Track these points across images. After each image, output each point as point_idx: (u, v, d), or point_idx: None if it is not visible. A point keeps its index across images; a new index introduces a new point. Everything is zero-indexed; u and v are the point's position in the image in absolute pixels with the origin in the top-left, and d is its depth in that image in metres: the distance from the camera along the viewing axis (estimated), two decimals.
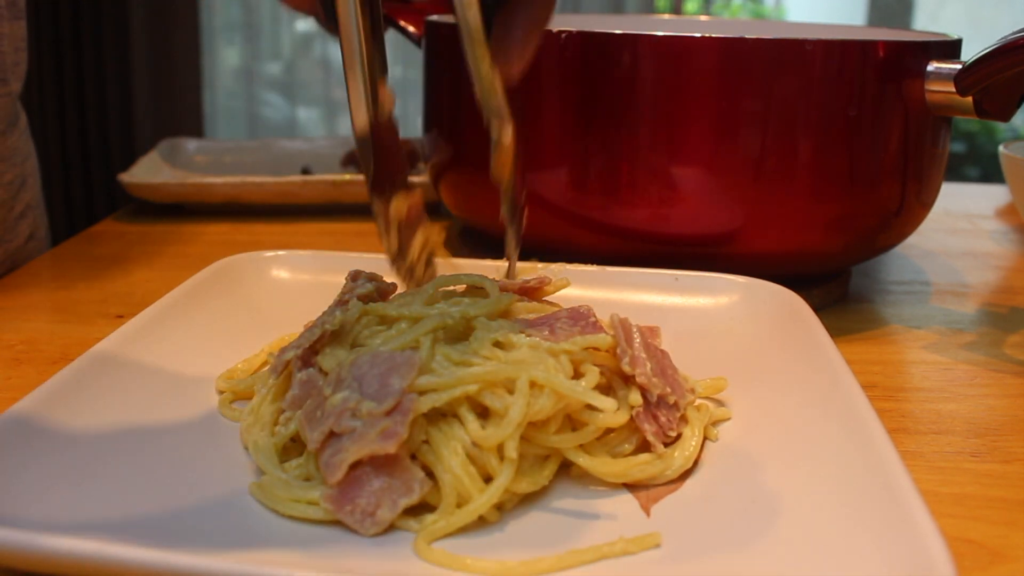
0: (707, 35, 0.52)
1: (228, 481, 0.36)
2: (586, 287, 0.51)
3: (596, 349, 0.39)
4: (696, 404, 0.41)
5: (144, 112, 2.35)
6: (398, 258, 0.45)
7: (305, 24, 2.77)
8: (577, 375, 0.38)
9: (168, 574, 0.28)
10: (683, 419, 0.39)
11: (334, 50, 2.80)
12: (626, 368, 0.38)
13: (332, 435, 0.34)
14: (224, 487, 0.36)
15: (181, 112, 2.43)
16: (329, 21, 0.41)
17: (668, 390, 0.39)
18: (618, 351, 0.39)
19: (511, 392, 0.35)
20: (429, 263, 0.46)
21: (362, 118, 0.42)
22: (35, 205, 0.76)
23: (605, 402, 0.36)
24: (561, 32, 0.54)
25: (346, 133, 2.75)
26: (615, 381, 0.39)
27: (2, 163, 0.68)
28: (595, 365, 0.38)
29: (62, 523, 0.31)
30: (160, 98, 2.39)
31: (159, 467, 0.36)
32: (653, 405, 0.39)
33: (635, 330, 0.40)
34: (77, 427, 0.36)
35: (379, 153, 0.43)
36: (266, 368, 0.42)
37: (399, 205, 0.44)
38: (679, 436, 0.39)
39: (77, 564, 0.28)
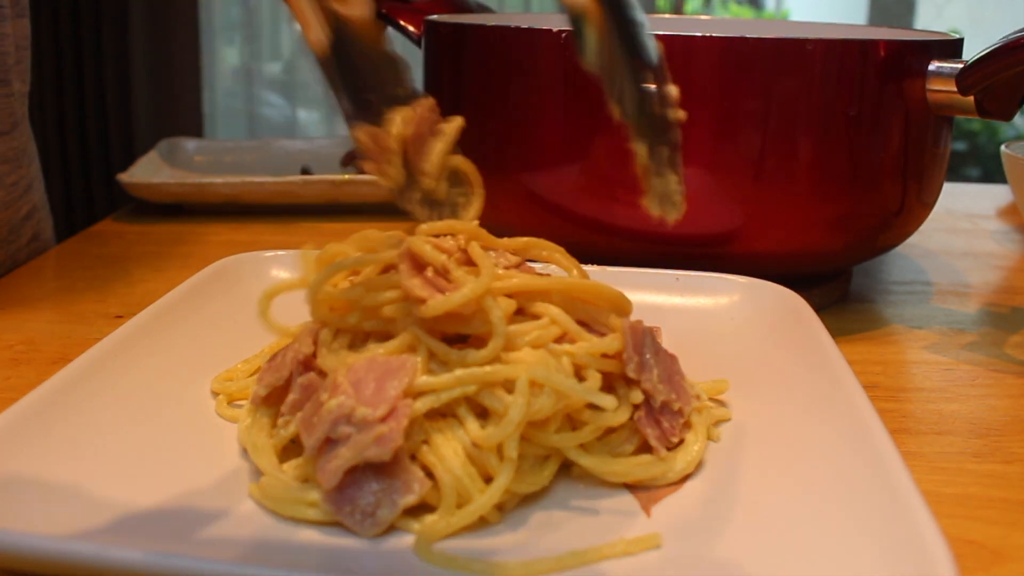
0: (707, 35, 0.52)
1: (227, 481, 0.36)
2: None
3: (606, 356, 0.39)
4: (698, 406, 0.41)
5: (144, 112, 2.35)
6: (408, 188, 0.37)
7: None
8: (579, 377, 0.37)
9: (168, 574, 0.28)
10: (687, 425, 0.39)
11: None
12: (631, 374, 0.38)
13: (328, 441, 0.34)
14: (223, 487, 0.36)
15: (181, 112, 2.43)
16: None
17: (673, 396, 0.39)
18: (624, 356, 0.39)
19: (510, 392, 0.35)
20: (457, 183, 0.38)
21: (317, 34, 0.35)
22: (40, 207, 0.76)
23: (605, 399, 0.36)
24: (561, 32, 0.54)
25: (346, 133, 2.76)
26: (617, 381, 0.39)
27: (5, 164, 0.68)
28: (597, 367, 0.38)
29: (62, 523, 0.31)
30: (160, 98, 2.39)
31: (159, 467, 0.36)
32: (656, 410, 0.38)
33: (646, 336, 0.40)
34: (76, 427, 0.36)
35: (352, 71, 0.36)
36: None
37: (399, 123, 0.37)
38: (682, 441, 0.39)
39: (77, 564, 0.28)
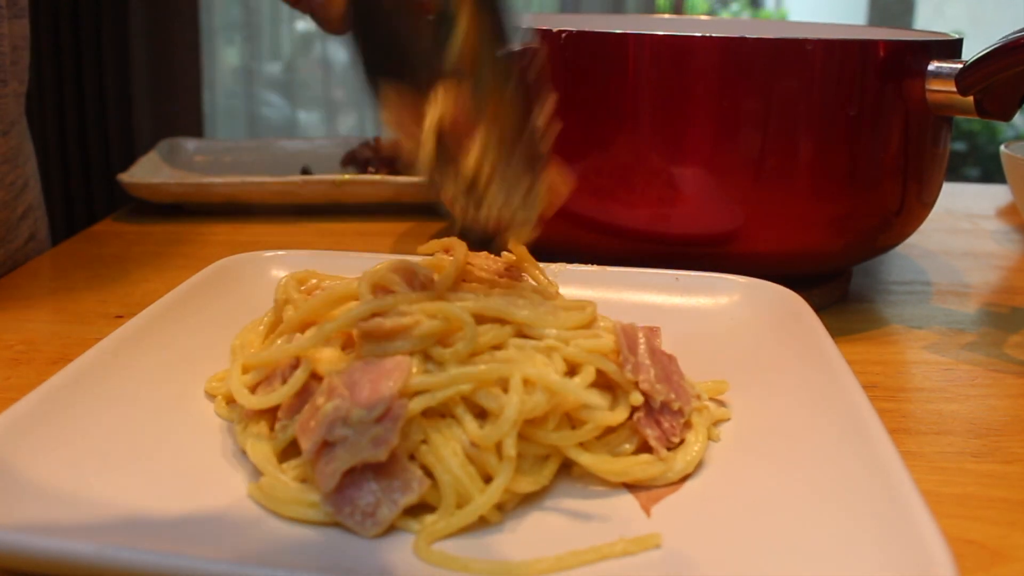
0: (707, 35, 0.52)
1: (227, 481, 0.36)
2: (586, 287, 0.51)
3: (595, 351, 0.39)
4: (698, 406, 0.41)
5: (144, 112, 2.35)
6: (440, 173, 0.32)
7: (305, 24, 2.77)
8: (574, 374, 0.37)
9: (168, 574, 0.28)
10: (687, 424, 0.39)
11: (334, 50, 2.79)
12: (628, 375, 0.38)
13: (326, 444, 0.34)
14: (223, 487, 0.36)
15: (181, 112, 2.43)
16: None
17: (672, 396, 0.39)
18: (620, 358, 0.39)
19: (506, 391, 0.35)
20: (529, 191, 0.32)
21: None
22: (36, 206, 0.76)
23: (593, 397, 0.36)
24: (561, 32, 0.54)
25: (346, 133, 2.74)
26: (617, 383, 0.39)
27: (4, 164, 0.68)
28: (598, 366, 0.38)
29: (62, 523, 0.31)
30: (160, 98, 2.39)
31: (158, 467, 0.36)
32: (656, 411, 0.38)
33: (640, 336, 0.40)
34: (76, 427, 0.36)
35: (386, 31, 0.31)
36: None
37: (440, 101, 0.31)
38: (682, 441, 0.39)
39: (77, 564, 0.28)
